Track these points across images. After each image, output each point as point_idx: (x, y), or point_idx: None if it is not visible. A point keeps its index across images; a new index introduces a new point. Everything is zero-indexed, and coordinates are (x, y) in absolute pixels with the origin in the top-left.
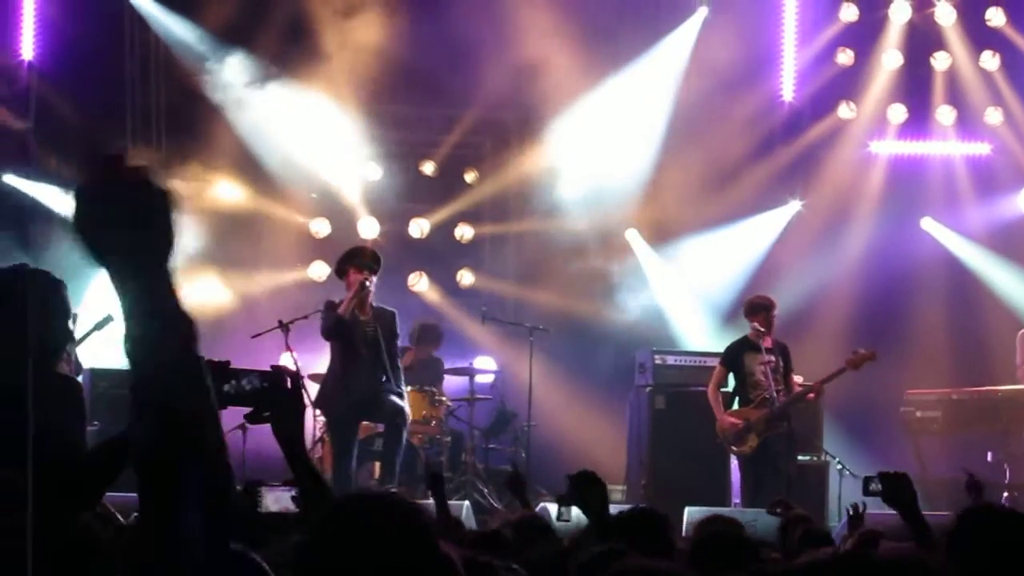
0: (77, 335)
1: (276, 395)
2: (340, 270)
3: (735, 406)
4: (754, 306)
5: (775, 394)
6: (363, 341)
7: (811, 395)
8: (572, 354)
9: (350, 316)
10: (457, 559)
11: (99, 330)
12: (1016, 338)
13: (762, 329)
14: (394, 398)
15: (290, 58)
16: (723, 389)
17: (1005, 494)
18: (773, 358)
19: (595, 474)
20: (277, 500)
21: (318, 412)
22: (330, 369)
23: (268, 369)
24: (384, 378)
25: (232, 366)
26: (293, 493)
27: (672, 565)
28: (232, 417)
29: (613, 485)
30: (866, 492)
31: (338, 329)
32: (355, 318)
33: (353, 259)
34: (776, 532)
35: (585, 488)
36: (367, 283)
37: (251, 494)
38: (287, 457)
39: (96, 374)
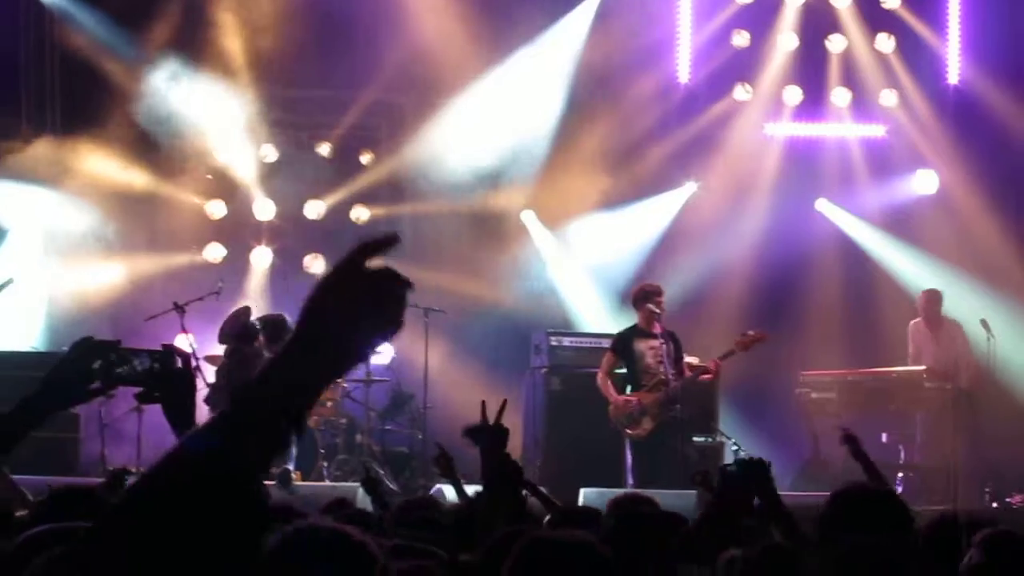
0: None
1: (166, 374)
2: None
3: (628, 392)
4: (643, 293)
5: (669, 377)
6: None
7: (706, 375)
8: (468, 335)
9: None
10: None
11: None
12: (907, 328)
13: (657, 311)
14: None
15: (187, 39)
16: (618, 372)
17: (900, 474)
18: (663, 342)
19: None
20: None
21: None
22: None
23: (159, 348)
24: None
25: (123, 345)
26: None
27: (586, 534)
28: (126, 399)
29: None
30: (723, 476)
31: None
32: None
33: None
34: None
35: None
36: None
37: (117, 482)
38: (177, 436)
39: None
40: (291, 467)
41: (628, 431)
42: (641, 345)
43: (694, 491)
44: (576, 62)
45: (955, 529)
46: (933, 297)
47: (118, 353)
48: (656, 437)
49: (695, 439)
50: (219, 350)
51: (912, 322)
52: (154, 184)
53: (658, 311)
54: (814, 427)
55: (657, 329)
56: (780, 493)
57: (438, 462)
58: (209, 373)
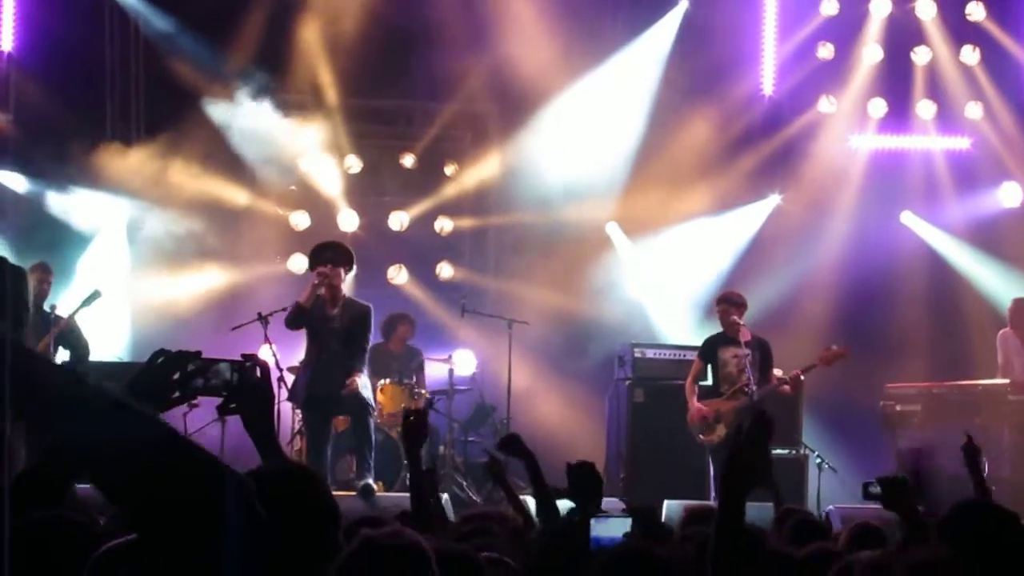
0: (66, 312)
1: (245, 385)
2: (310, 263)
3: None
4: (721, 299)
5: (753, 387)
6: (330, 334)
7: (785, 388)
8: (551, 347)
9: (316, 309)
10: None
11: (87, 306)
12: (996, 338)
13: (735, 320)
14: (359, 391)
15: (271, 51)
16: (703, 383)
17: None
18: (748, 351)
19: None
20: None
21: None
22: (301, 362)
23: (238, 359)
24: (351, 371)
25: (203, 356)
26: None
27: (671, 551)
28: (208, 410)
29: None
30: (866, 496)
31: (297, 317)
32: (323, 312)
33: (318, 253)
34: (771, 524)
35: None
36: (328, 275)
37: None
38: (258, 448)
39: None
40: (371, 481)
41: (701, 436)
42: (726, 353)
43: (770, 503)
44: (661, 74)
45: None
46: (1023, 306)
47: (198, 364)
48: (728, 444)
49: (777, 451)
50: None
51: (1001, 331)
52: (238, 195)
53: (732, 319)
54: (898, 440)
55: (745, 336)
56: (865, 506)
57: (489, 468)
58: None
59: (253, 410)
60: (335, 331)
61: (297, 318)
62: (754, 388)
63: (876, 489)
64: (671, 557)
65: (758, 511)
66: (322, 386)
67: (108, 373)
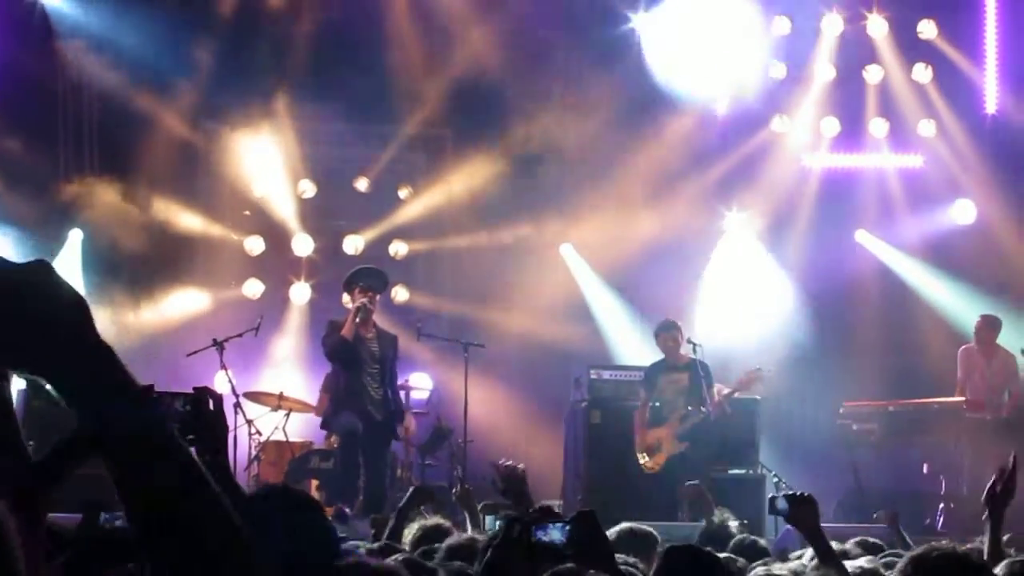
0: None
1: (198, 417)
2: (347, 288)
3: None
4: (658, 328)
5: (688, 410)
6: (371, 357)
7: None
8: (508, 370)
9: (353, 337)
10: None
11: None
12: (958, 353)
13: (672, 347)
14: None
15: (224, 76)
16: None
17: (941, 505)
18: (684, 375)
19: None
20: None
21: (255, 431)
22: (338, 387)
23: (190, 391)
24: (388, 396)
25: (156, 390)
26: None
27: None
28: None
29: (550, 500)
30: (771, 511)
31: (342, 350)
32: (359, 337)
33: (359, 279)
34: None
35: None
36: (370, 304)
37: (91, 515)
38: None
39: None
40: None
41: (646, 463)
42: (663, 379)
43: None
44: (614, 92)
45: None
46: (991, 323)
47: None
48: (667, 470)
49: (734, 471)
50: (260, 386)
51: (964, 347)
52: (192, 220)
53: (671, 344)
54: (855, 458)
55: (682, 361)
56: (824, 524)
57: (460, 497)
58: (250, 409)
59: (207, 443)
60: (373, 355)
61: (342, 352)
62: (690, 410)
63: (783, 504)
64: None
65: (691, 530)
66: (380, 412)
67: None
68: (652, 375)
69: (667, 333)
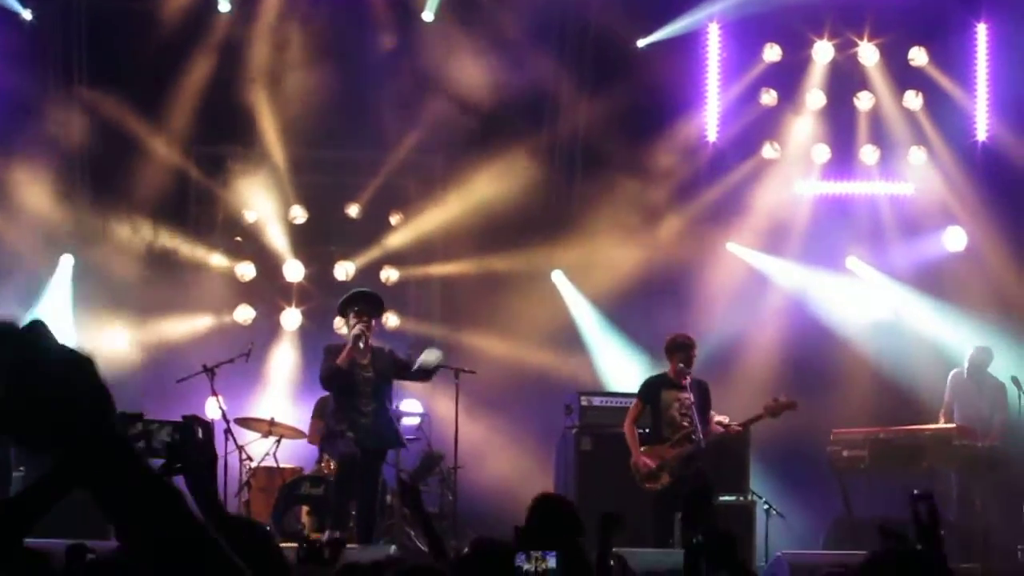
0: None
1: (187, 446)
2: (342, 312)
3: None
4: (676, 344)
5: (699, 434)
6: (365, 383)
7: (738, 429)
8: (499, 396)
9: (347, 365)
10: None
11: None
12: (947, 377)
13: (684, 367)
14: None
15: (215, 102)
16: (642, 429)
17: None
18: (691, 396)
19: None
20: None
21: (245, 457)
22: (332, 412)
23: (179, 420)
24: (382, 422)
25: (145, 417)
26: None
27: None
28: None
29: None
30: (686, 545)
31: (336, 377)
32: (354, 363)
33: (355, 303)
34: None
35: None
36: (366, 332)
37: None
38: (199, 507)
39: None
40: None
41: (646, 485)
42: (668, 395)
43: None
44: (604, 119)
45: None
46: (984, 354)
47: (139, 427)
48: (672, 492)
49: (725, 497)
50: (251, 412)
51: (954, 371)
52: (183, 247)
53: (686, 366)
54: (846, 486)
55: (686, 381)
56: (814, 552)
57: (404, 496)
58: (240, 435)
59: (196, 471)
60: (369, 380)
61: (337, 380)
62: (700, 436)
63: (699, 540)
64: None
65: (667, 556)
66: (372, 440)
67: None
68: (653, 387)
69: (692, 351)
